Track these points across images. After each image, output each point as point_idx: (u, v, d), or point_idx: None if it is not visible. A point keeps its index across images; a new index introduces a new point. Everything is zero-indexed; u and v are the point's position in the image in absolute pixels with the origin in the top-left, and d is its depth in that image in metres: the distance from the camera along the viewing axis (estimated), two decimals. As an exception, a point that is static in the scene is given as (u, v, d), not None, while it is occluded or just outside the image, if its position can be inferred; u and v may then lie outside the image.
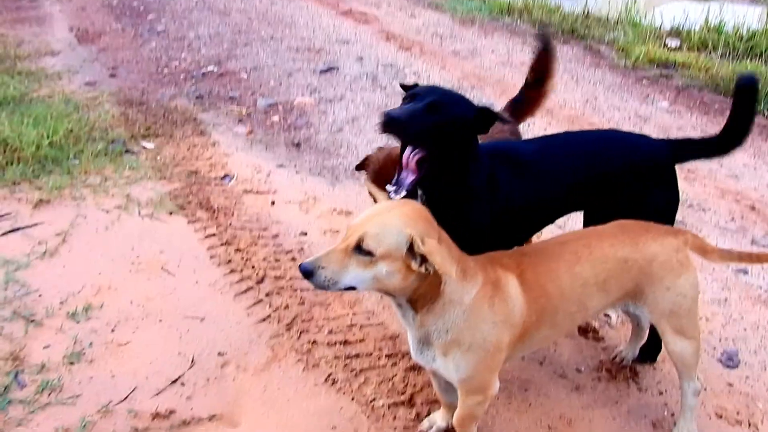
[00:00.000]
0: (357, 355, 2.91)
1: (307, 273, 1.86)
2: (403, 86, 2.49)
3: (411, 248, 1.83)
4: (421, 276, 1.90)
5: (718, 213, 4.31)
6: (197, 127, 5.30)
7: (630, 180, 2.57)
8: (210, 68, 6.75)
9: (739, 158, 5.16)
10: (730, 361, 2.99)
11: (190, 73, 6.61)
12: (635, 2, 9.24)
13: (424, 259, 1.83)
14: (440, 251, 1.83)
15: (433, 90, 2.33)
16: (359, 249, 1.85)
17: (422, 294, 1.96)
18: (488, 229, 2.41)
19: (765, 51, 7.52)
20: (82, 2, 9.18)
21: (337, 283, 1.87)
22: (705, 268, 3.66)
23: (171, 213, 3.95)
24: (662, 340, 2.41)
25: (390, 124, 2.18)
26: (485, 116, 2.32)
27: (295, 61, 7.12)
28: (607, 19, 9.15)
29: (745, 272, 3.66)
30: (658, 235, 2.33)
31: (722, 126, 2.58)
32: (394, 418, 2.60)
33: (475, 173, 2.37)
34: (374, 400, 2.68)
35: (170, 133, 5.11)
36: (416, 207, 1.99)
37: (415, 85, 2.41)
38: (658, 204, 2.61)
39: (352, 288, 1.90)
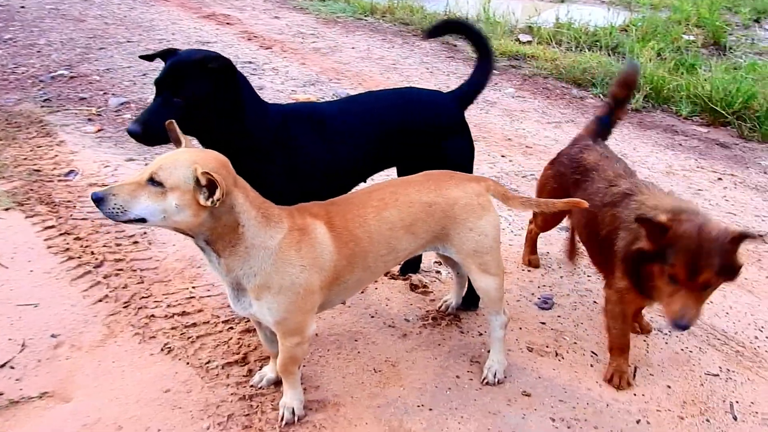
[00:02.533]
0: (194, 324, 2.96)
1: (99, 200, 1.90)
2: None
3: (199, 184, 1.91)
4: (215, 216, 1.98)
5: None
6: (43, 128, 5.13)
7: (427, 133, 2.77)
8: (60, 72, 6.54)
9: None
10: (545, 304, 3.27)
11: (38, 78, 6.37)
12: (489, 2, 9.77)
13: (211, 195, 1.91)
14: (213, 176, 1.89)
15: (168, 73, 2.42)
16: (152, 181, 1.91)
17: (220, 235, 2.03)
18: (288, 185, 2.53)
19: (605, 44, 8.18)
20: None
21: (127, 212, 1.91)
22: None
23: (7, 209, 3.84)
24: (470, 278, 2.61)
25: (138, 139, 2.37)
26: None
27: (150, 63, 7.01)
28: (466, 18, 9.58)
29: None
30: (461, 181, 2.53)
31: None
32: (228, 376, 2.67)
33: (255, 129, 2.51)
34: (209, 362, 2.74)
35: (12, 136, 4.93)
36: (215, 154, 2.07)
37: (155, 55, 2.58)
38: (456, 152, 2.83)
39: (143, 220, 1.94)
